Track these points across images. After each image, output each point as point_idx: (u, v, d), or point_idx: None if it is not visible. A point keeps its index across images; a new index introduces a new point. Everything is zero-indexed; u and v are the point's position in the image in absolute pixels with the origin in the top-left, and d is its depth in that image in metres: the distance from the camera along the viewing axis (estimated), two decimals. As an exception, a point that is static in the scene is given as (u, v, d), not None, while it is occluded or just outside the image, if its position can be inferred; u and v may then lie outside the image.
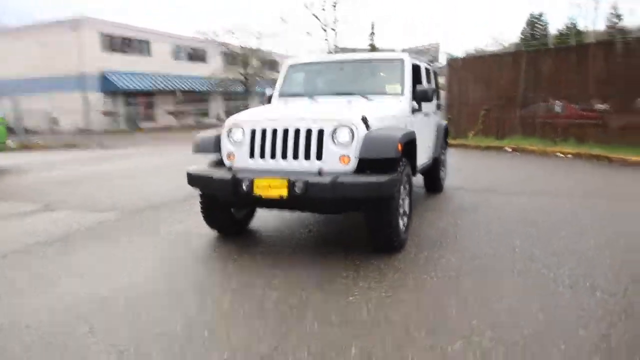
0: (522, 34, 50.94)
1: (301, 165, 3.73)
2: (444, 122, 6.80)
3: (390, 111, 4.39)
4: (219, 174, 3.80)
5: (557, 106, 12.78)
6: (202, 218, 4.38)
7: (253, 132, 3.91)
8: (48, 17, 31.02)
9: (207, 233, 4.49)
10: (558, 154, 10.75)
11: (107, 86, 26.42)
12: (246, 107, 23.82)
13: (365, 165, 3.64)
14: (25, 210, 5.73)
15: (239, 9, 47.04)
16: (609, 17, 43.37)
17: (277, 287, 3.21)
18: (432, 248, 4.03)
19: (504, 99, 13.34)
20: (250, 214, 4.74)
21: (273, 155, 3.82)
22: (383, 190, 3.48)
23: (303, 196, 3.50)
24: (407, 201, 4.14)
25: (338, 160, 3.65)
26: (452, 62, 15.67)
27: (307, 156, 3.72)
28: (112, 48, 27.44)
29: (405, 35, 58.28)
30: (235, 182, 3.68)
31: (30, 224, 5.08)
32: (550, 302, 2.93)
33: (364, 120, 3.71)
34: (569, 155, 10.54)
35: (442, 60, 16.52)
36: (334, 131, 3.67)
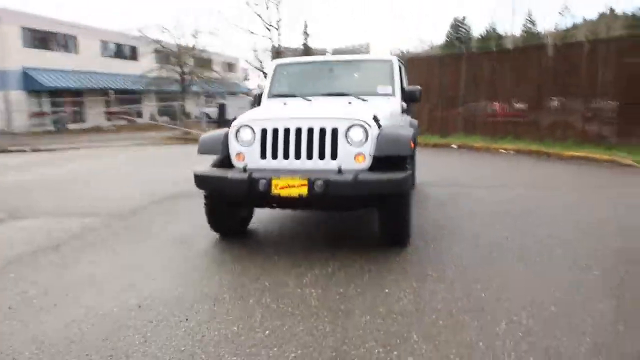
0: (447, 36, 53.85)
1: (316, 164, 3.80)
2: (416, 121, 7.13)
3: (388, 111, 4.57)
4: (234, 174, 3.78)
5: (493, 106, 13.84)
6: (191, 220, 4.34)
7: (264, 132, 3.91)
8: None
9: (206, 234, 4.44)
10: (501, 150, 11.57)
11: (30, 84, 24.45)
12: (182, 107, 22.97)
13: (375, 162, 3.78)
14: (-11, 220, 5.28)
15: (174, 4, 45.28)
16: (524, 22, 46.89)
17: (310, 285, 3.27)
18: (435, 240, 4.27)
19: (447, 99, 14.12)
20: (250, 215, 4.73)
21: (286, 155, 3.85)
22: (402, 186, 3.65)
23: (323, 194, 3.58)
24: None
25: (353, 158, 3.76)
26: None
27: (322, 155, 3.79)
28: (36, 43, 25.42)
29: (336, 34, 59.36)
30: (252, 181, 3.67)
31: (4, 234, 4.71)
32: (559, 283, 3.26)
33: (376, 119, 3.86)
34: (511, 152, 11.38)
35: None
36: (348, 130, 3.78)
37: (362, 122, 3.78)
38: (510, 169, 9.08)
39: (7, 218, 5.38)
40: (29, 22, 25.00)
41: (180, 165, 9.96)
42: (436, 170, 8.65)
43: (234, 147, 4.01)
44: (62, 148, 15.19)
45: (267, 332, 2.60)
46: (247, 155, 3.95)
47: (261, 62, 28.84)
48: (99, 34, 29.32)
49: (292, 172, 3.71)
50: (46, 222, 5.13)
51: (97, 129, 23.94)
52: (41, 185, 7.68)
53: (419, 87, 5.17)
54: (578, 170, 8.56)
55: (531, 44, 22.48)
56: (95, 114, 26.20)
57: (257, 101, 5.45)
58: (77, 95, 26.32)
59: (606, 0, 69.31)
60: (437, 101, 14.18)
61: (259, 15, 20.04)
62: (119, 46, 31.04)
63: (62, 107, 25.52)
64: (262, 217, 5.00)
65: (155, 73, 27.14)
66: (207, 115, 29.20)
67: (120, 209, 5.68)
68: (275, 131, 3.89)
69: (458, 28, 52.07)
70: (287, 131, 3.86)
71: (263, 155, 3.91)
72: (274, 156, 3.88)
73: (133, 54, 30.99)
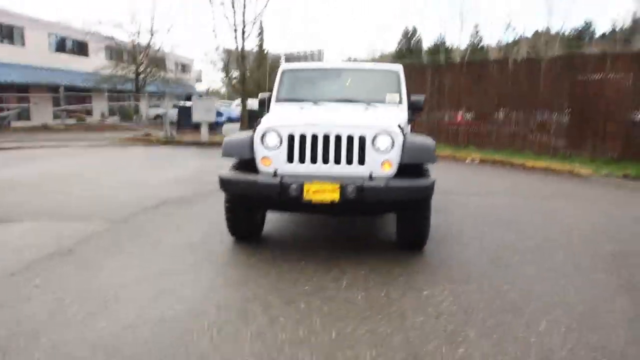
0: (398, 45, 55.47)
1: (343, 170, 3.91)
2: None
3: (401, 119, 4.76)
4: (265, 178, 3.81)
5: (455, 116, 14.52)
6: (197, 224, 4.35)
7: (291, 137, 3.97)
8: None
9: (221, 239, 4.47)
10: (467, 160, 12.13)
11: (-32, 77, 22.74)
12: (137, 107, 22.30)
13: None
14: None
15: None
16: (471, 36, 49.13)
17: (350, 288, 3.38)
18: (445, 244, 4.50)
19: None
20: (263, 221, 4.74)
21: (314, 160, 3.94)
22: (430, 191, 3.83)
23: (355, 200, 3.69)
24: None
25: (380, 165, 3.90)
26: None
27: (349, 161, 3.91)
28: (-24, 34, 23.73)
29: (290, 39, 59.68)
30: (283, 186, 3.73)
31: (2, 238, 4.46)
32: (575, 283, 3.56)
33: (400, 127, 4.04)
34: (477, 161, 11.97)
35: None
36: (375, 138, 3.92)
37: (389, 130, 3.94)
38: (482, 177, 9.56)
39: (-5, 221, 5.07)
40: (-31, 10, 23.32)
41: (162, 167, 9.74)
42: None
43: (259, 151, 4.04)
44: (13, 147, 14.27)
45: (333, 334, 2.69)
46: (273, 159, 3.99)
47: (222, 64, 28.42)
48: (47, 27, 27.75)
49: (324, 178, 3.79)
50: (44, 226, 4.90)
51: (44, 128, 22.63)
52: (19, 186, 7.24)
53: (423, 96, 5.40)
54: (545, 179, 9.17)
55: (498, 58, 23.89)
56: (41, 111, 24.73)
57: (264, 105, 5.48)
58: (22, 90, 24.73)
59: (544, 20, 74.17)
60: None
61: (226, 17, 19.69)
62: (69, 41, 29.49)
63: (5, 103, 23.89)
64: (271, 222, 5.03)
65: (109, 71, 26.06)
66: (161, 117, 28.44)
67: (118, 212, 5.50)
68: (303, 137, 3.96)
69: (410, 38, 53.80)
70: (314, 137, 3.95)
71: (290, 159, 3.97)
72: (301, 161, 3.95)
73: (84, 50, 29.57)
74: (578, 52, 25.39)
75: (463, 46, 46.63)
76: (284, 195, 3.74)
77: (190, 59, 40.21)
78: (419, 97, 5.31)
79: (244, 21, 18.65)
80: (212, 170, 9.20)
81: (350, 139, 3.91)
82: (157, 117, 28.41)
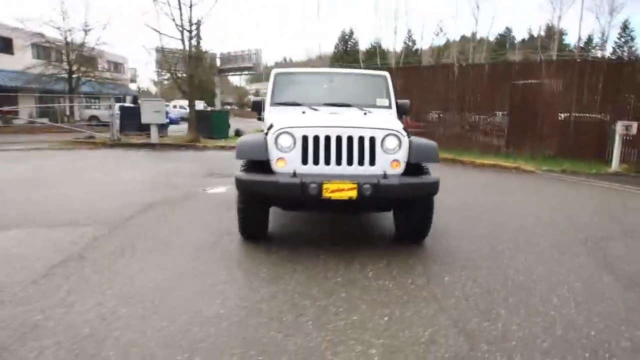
0: (335, 47, 56.50)
1: (356, 170, 4.17)
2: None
3: (398, 123, 5.09)
4: (285, 178, 3.98)
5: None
6: (197, 225, 4.51)
7: (305, 139, 4.17)
8: None
9: (229, 239, 4.59)
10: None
11: None
12: (71, 108, 20.96)
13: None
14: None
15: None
16: (405, 41, 51.16)
17: (379, 278, 3.66)
18: (440, 238, 4.88)
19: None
20: (267, 221, 4.86)
21: (328, 161, 4.16)
22: (437, 187, 4.18)
23: (371, 197, 3.96)
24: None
25: (389, 164, 4.20)
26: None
27: (361, 162, 4.18)
28: None
29: (227, 39, 58.78)
30: (304, 186, 3.92)
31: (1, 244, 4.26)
32: (566, 265, 4.08)
33: (406, 130, 4.36)
34: (430, 158, 12.64)
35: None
36: (384, 139, 4.22)
37: (396, 132, 4.25)
38: (442, 174, 10.15)
39: (-22, 230, 4.79)
40: None
41: (126, 171, 9.46)
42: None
43: (274, 153, 4.19)
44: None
45: (385, 318, 2.94)
46: (288, 160, 4.16)
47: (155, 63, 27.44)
48: (-37, 21, 25.50)
49: (341, 177, 4.03)
50: (38, 233, 4.70)
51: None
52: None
53: (408, 101, 5.77)
54: (498, 176, 9.96)
55: (444, 63, 25.19)
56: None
57: (257, 108, 5.60)
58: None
59: (471, 26, 78.79)
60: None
61: (173, 18, 19.11)
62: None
63: None
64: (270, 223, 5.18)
65: (38, 69, 24.41)
66: (97, 118, 27.05)
67: (108, 217, 5.38)
68: (316, 138, 4.17)
69: (347, 41, 54.99)
70: (327, 138, 4.16)
71: (304, 161, 4.16)
72: (316, 162, 4.16)
73: (8, 47, 27.43)
74: (517, 60, 27.40)
75: (398, 49, 48.50)
76: (305, 195, 3.92)
77: (123, 58, 38.50)
78: (405, 102, 5.68)
79: (190, 21, 18.29)
80: (178, 173, 9.17)
81: (361, 141, 4.17)
82: (92, 118, 27.06)
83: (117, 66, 38.72)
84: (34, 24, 24.35)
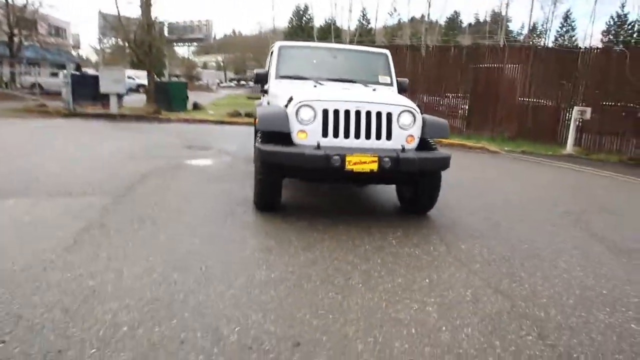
0: (289, 22, 55.71)
1: (374, 143, 4.35)
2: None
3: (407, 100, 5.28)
4: (311, 150, 4.09)
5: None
6: (202, 196, 4.69)
7: (325, 112, 4.28)
8: None
9: (244, 210, 4.66)
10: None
11: None
12: (12, 74, 19.53)
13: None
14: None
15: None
16: (359, 20, 51.26)
17: (402, 245, 3.90)
18: (443, 210, 5.18)
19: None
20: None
21: (347, 134, 4.31)
22: (448, 163, 4.45)
23: (390, 170, 4.17)
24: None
25: (404, 139, 4.42)
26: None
27: (379, 136, 4.36)
28: None
29: (177, 9, 56.29)
30: (328, 158, 4.06)
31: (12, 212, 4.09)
32: (557, 233, 4.51)
33: (419, 107, 4.58)
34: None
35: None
36: (400, 115, 4.41)
37: (411, 108, 4.46)
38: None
39: (-28, 199, 4.55)
40: None
41: (99, 142, 9.12)
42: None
43: (295, 125, 4.28)
44: None
45: (426, 280, 3.18)
46: (309, 133, 4.27)
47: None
48: None
49: (362, 150, 4.19)
50: (46, 202, 4.54)
51: None
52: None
53: (406, 79, 5.99)
54: (466, 155, 10.48)
55: (410, 44, 25.50)
56: None
57: (261, 80, 5.61)
58: None
59: (424, 7, 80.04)
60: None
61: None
62: None
63: None
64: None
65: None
66: (39, 86, 25.33)
67: (108, 186, 5.26)
68: (336, 112, 4.30)
69: (301, 16, 54.33)
70: (347, 113, 4.30)
71: (325, 133, 4.28)
72: (336, 135, 4.30)
73: None
74: (481, 44, 28.24)
75: (353, 27, 48.57)
76: (328, 166, 4.06)
77: (66, 22, 36.01)
78: (404, 80, 5.90)
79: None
80: (154, 145, 8.95)
81: (379, 116, 4.35)
82: (34, 86, 25.29)
83: (59, 31, 36.19)
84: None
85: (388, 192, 5.71)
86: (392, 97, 4.74)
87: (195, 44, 49.14)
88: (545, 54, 13.42)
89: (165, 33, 40.45)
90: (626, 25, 43.66)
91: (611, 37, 43.68)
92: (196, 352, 2.19)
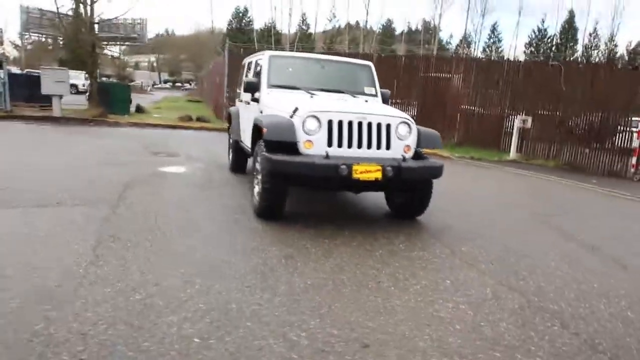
0: (228, 24, 54.98)
1: (375, 153, 4.61)
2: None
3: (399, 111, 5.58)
4: (320, 160, 4.27)
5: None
6: (196, 202, 4.75)
7: (330, 123, 4.49)
8: None
9: (247, 217, 4.72)
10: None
11: None
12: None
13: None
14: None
15: None
16: (299, 24, 51.63)
17: (410, 249, 4.16)
18: (429, 215, 5.52)
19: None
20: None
21: (350, 144, 4.54)
22: (442, 171, 4.79)
23: (392, 178, 4.45)
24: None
25: (402, 149, 4.72)
26: (234, 50, 16.78)
27: (379, 146, 4.63)
28: None
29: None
30: (336, 167, 4.26)
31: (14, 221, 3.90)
32: (537, 232, 5.02)
33: (414, 118, 4.90)
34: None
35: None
36: (397, 126, 4.71)
37: (408, 120, 4.77)
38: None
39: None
40: None
41: (59, 149, 8.67)
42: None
43: (301, 135, 4.44)
44: None
45: (447, 281, 3.47)
46: (315, 142, 4.45)
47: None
48: None
49: (366, 160, 4.43)
50: (34, 212, 4.33)
51: None
52: None
53: (388, 91, 6.31)
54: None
55: (362, 52, 26.13)
56: None
57: (251, 88, 5.68)
58: None
59: (359, 14, 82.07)
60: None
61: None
62: None
63: None
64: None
65: None
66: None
67: (96, 195, 5.10)
68: (340, 123, 4.51)
69: (241, 19, 53.81)
70: (350, 123, 4.53)
71: (329, 143, 4.48)
72: (340, 145, 4.51)
73: None
74: (431, 54, 29.37)
75: (292, 31, 48.88)
76: (337, 175, 4.26)
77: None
78: (386, 91, 6.22)
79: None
80: (117, 151, 8.67)
81: (379, 127, 4.62)
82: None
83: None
84: None
85: (371, 198, 5.98)
86: (388, 109, 5.03)
87: (129, 43, 47.16)
88: (486, 65, 14.44)
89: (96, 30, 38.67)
90: (546, 39, 47.54)
91: (532, 50, 47.35)
92: (276, 357, 2.30)
